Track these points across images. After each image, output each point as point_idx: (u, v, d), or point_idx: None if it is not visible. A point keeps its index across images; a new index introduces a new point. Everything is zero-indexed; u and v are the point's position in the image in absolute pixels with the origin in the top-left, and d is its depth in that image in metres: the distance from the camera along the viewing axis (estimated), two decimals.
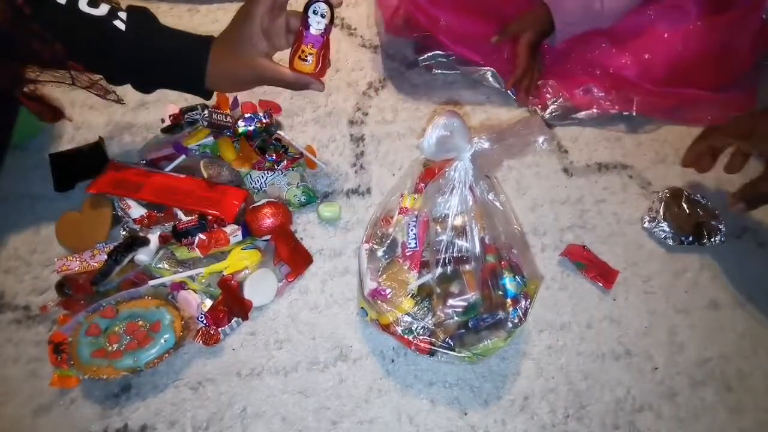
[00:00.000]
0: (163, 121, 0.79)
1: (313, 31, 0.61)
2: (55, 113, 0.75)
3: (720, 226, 0.74)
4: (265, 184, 0.73)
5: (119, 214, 0.69)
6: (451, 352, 0.59)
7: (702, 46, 0.83)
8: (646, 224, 0.75)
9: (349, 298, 0.67)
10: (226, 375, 0.62)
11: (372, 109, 0.86)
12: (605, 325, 0.67)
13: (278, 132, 0.78)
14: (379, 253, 0.63)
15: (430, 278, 0.59)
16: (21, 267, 0.68)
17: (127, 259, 0.64)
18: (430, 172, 0.64)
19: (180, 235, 0.65)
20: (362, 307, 0.63)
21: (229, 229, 0.67)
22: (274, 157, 0.74)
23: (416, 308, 0.60)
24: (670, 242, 0.73)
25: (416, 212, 0.62)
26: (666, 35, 0.84)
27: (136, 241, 0.64)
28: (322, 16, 0.60)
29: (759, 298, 0.70)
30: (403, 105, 0.87)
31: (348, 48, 0.95)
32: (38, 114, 0.74)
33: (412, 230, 0.62)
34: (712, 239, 0.73)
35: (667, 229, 0.73)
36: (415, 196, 0.64)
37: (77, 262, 0.66)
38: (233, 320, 0.64)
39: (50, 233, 0.70)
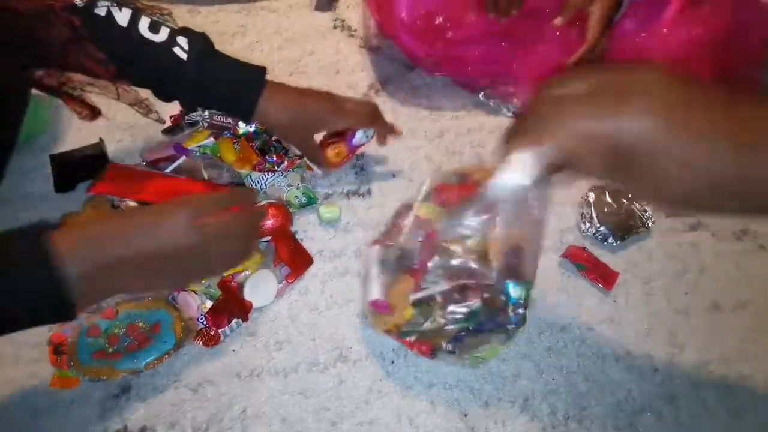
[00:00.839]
0: (163, 122, 0.80)
1: (355, 142, 0.75)
2: (94, 112, 0.75)
3: (646, 208, 0.74)
4: (266, 185, 0.73)
5: None
6: (452, 356, 0.59)
7: (709, 30, 0.77)
8: (585, 232, 0.73)
9: (349, 299, 0.67)
10: (225, 376, 0.61)
11: None
12: (606, 326, 0.67)
13: None
14: (389, 262, 0.60)
15: (433, 293, 0.58)
16: None
17: None
18: (448, 188, 0.62)
19: None
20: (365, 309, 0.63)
21: None
22: (275, 159, 0.74)
23: (415, 315, 0.58)
24: (615, 242, 0.72)
25: (427, 226, 0.60)
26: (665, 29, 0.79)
27: None
28: (367, 137, 0.75)
29: (760, 300, 0.70)
30: (403, 106, 0.87)
31: (348, 49, 0.95)
32: (76, 112, 0.74)
33: (417, 245, 0.59)
34: (645, 225, 0.73)
35: (605, 230, 0.72)
36: (431, 205, 0.62)
37: None
38: (233, 321, 0.64)
39: None
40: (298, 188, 0.73)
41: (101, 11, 0.57)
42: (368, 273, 0.62)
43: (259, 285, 0.66)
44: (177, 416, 0.59)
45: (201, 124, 0.77)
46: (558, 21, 0.79)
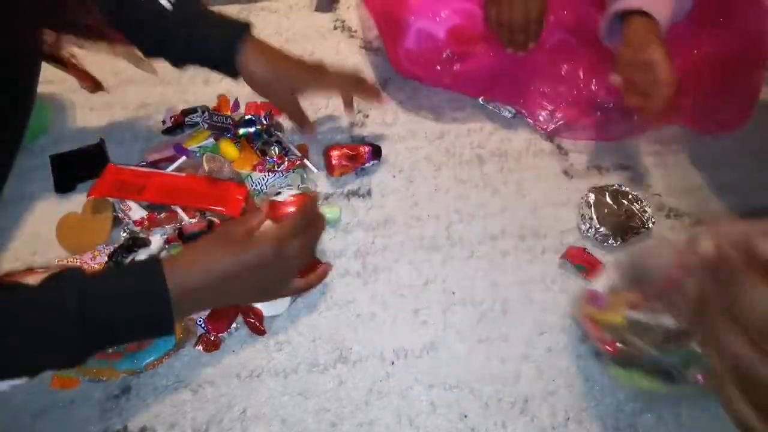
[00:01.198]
0: (164, 122, 0.80)
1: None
2: (96, 84, 0.79)
3: (646, 209, 0.74)
4: (266, 186, 0.73)
5: (120, 216, 0.69)
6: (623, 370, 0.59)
7: (706, 51, 0.79)
8: (585, 233, 0.74)
9: (349, 300, 0.67)
10: (225, 377, 0.61)
11: (373, 111, 0.86)
12: None
13: (278, 134, 0.78)
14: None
15: (654, 324, 0.56)
16: (21, 268, 0.68)
17: (127, 261, 0.64)
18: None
19: (187, 238, 0.65)
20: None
21: None
22: (275, 159, 0.74)
23: (626, 328, 0.58)
24: (615, 243, 0.72)
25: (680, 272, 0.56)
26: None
27: (136, 243, 0.64)
28: (372, 164, 0.79)
29: None
30: (403, 107, 0.87)
31: (348, 50, 0.95)
32: (81, 83, 0.79)
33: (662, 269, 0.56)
34: (646, 226, 0.73)
35: (605, 231, 0.72)
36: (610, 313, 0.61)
37: (78, 264, 0.66)
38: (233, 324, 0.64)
39: (51, 235, 0.70)
40: (298, 189, 0.73)
41: None
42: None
43: None
44: (177, 417, 0.59)
45: (201, 125, 0.77)
46: (613, 80, 0.73)
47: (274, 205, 0.69)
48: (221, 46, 0.66)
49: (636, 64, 0.69)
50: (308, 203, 0.61)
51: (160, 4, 0.63)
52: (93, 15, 0.61)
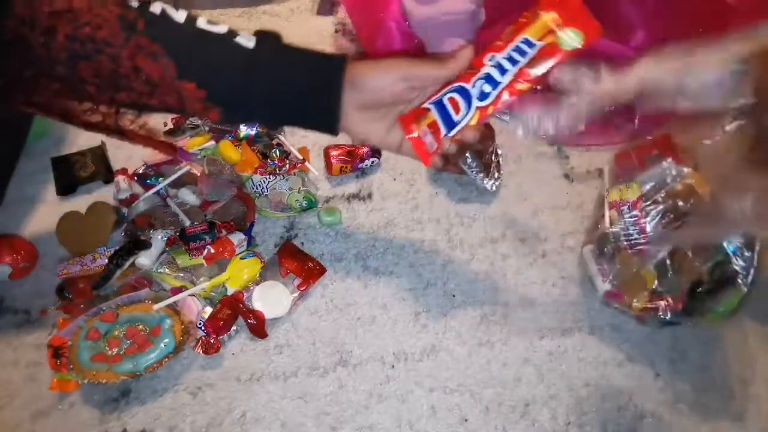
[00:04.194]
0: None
1: (362, 165, 0.78)
2: (173, 149, 0.72)
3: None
4: (267, 188, 0.73)
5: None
6: (703, 305, 0.61)
7: None
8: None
9: (349, 303, 0.67)
10: (225, 380, 0.61)
11: None
12: (607, 331, 0.66)
13: (279, 136, 0.78)
14: (604, 251, 0.65)
15: (663, 253, 0.61)
16: None
17: (128, 263, 0.64)
18: (624, 156, 0.67)
19: (188, 238, 0.65)
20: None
21: (236, 239, 0.67)
22: (276, 162, 0.74)
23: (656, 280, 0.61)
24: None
25: (628, 202, 0.64)
26: None
27: (137, 245, 0.64)
28: (372, 164, 0.79)
29: (760, 304, 0.69)
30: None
31: (349, 53, 0.95)
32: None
33: (630, 225, 0.63)
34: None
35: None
36: (621, 187, 0.66)
37: (78, 266, 0.66)
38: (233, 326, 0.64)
39: (51, 237, 0.70)
40: (299, 192, 0.73)
41: (156, 9, 0.48)
42: (591, 272, 0.67)
43: (269, 296, 0.65)
44: (176, 420, 0.59)
45: (202, 127, 0.77)
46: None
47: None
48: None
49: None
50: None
51: (239, 42, 0.49)
52: (158, 64, 0.47)
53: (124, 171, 0.75)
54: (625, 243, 0.63)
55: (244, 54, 0.49)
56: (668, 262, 0.61)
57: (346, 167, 0.77)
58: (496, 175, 0.78)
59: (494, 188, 0.77)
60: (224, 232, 0.67)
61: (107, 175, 0.76)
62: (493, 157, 0.78)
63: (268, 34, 0.52)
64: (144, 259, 0.65)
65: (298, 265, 0.67)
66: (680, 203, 0.60)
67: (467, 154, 0.76)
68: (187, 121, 0.78)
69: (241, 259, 0.66)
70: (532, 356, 0.64)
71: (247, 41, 0.50)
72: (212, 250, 0.65)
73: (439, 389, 0.61)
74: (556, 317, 0.67)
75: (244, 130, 0.76)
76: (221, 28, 0.50)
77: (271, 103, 0.51)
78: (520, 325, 0.66)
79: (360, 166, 0.77)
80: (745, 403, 0.62)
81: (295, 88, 0.51)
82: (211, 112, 0.51)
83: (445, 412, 0.60)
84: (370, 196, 0.77)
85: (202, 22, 0.50)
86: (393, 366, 0.63)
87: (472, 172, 0.76)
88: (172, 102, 0.49)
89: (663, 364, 0.64)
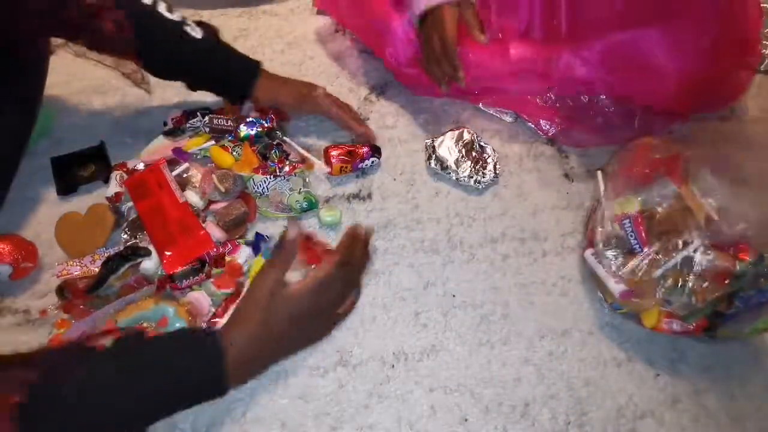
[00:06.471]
0: (165, 124, 0.80)
1: (362, 165, 0.79)
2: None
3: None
4: (267, 189, 0.73)
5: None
6: (732, 327, 0.61)
7: None
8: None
9: None
10: None
11: (373, 114, 0.87)
12: (607, 331, 0.66)
13: (280, 136, 0.78)
14: (609, 254, 0.65)
15: (672, 264, 0.61)
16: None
17: (123, 269, 0.64)
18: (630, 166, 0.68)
19: (174, 278, 0.63)
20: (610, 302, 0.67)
21: (241, 258, 0.66)
22: (276, 163, 0.74)
23: (667, 290, 0.61)
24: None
25: (629, 216, 0.64)
26: None
27: (136, 252, 0.64)
28: (373, 163, 0.80)
29: None
30: (404, 110, 0.88)
31: (349, 53, 0.95)
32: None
33: (631, 236, 0.63)
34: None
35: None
36: (620, 201, 0.66)
37: (78, 266, 0.66)
38: None
39: (51, 237, 0.70)
40: (299, 192, 0.73)
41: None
42: (600, 274, 0.66)
43: None
44: (177, 420, 0.58)
45: (202, 128, 0.77)
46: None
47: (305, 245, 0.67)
48: (241, 80, 0.77)
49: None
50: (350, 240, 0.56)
51: (189, 33, 0.70)
52: (124, 32, 0.65)
53: (123, 165, 0.74)
54: (626, 250, 0.64)
55: (190, 40, 0.71)
56: (682, 286, 0.61)
57: (346, 167, 0.77)
58: (483, 172, 0.78)
59: (480, 186, 0.77)
60: (226, 256, 0.66)
61: (107, 175, 0.76)
62: (484, 154, 0.79)
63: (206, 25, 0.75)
64: (149, 264, 0.64)
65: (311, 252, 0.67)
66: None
67: (459, 153, 0.78)
68: (188, 123, 0.78)
69: (263, 257, 0.68)
70: (532, 356, 0.64)
71: (194, 32, 0.71)
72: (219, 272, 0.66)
73: (439, 389, 0.61)
74: (556, 317, 0.67)
75: (244, 130, 0.76)
76: (176, 16, 0.70)
77: (198, 62, 0.73)
78: (520, 325, 0.66)
79: (360, 166, 0.77)
80: (744, 403, 0.62)
81: (223, 61, 0.75)
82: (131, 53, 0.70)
83: (445, 412, 0.60)
84: (370, 196, 0.77)
85: (162, 7, 0.69)
86: (393, 366, 0.63)
87: (460, 168, 0.77)
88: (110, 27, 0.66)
89: (663, 364, 0.64)
